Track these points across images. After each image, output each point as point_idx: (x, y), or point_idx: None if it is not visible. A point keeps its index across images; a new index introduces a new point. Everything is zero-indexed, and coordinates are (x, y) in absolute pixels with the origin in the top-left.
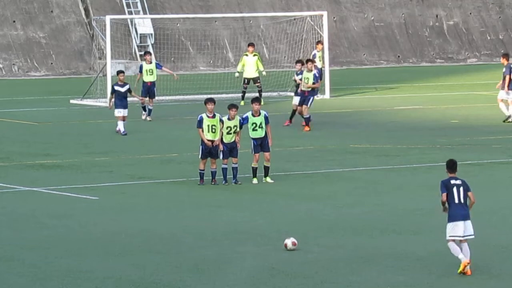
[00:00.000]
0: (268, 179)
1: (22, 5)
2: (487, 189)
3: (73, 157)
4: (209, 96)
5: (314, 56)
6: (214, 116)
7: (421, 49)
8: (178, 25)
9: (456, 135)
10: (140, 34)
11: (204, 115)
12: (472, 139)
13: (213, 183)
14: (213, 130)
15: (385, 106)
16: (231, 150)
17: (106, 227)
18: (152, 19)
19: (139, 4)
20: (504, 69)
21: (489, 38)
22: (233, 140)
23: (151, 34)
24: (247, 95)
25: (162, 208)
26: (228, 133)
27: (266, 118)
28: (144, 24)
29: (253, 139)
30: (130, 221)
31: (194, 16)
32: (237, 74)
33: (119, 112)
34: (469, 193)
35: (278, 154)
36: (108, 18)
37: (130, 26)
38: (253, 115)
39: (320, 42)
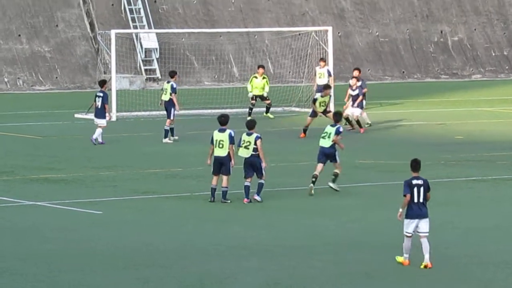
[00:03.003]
0: (334, 185)
1: (27, 19)
2: (492, 205)
3: (77, 171)
4: (218, 112)
5: (315, 73)
6: (224, 131)
7: (426, 64)
8: (183, 39)
9: (461, 151)
10: (145, 48)
11: (215, 132)
12: (476, 155)
13: (226, 201)
14: (221, 146)
15: (389, 121)
16: (253, 167)
17: (110, 242)
18: (157, 33)
19: (144, 19)
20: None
21: (493, 54)
22: (250, 154)
23: (156, 49)
24: (255, 109)
25: (166, 222)
26: (246, 147)
27: (338, 130)
28: (149, 39)
29: (320, 146)
30: (133, 235)
31: (199, 30)
32: (250, 94)
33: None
34: (427, 194)
35: (283, 169)
36: (113, 32)
37: (135, 40)
38: (331, 125)
39: (322, 59)
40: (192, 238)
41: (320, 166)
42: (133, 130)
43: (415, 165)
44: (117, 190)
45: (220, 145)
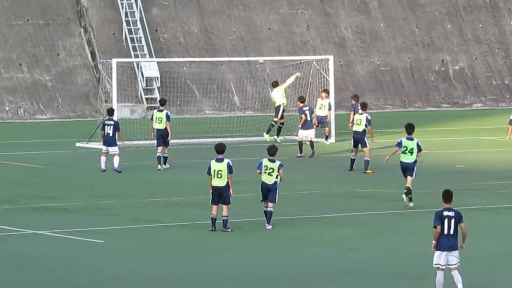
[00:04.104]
0: (411, 204)
1: (28, 48)
2: (493, 234)
3: (79, 200)
4: (219, 141)
5: (315, 104)
6: (222, 160)
7: (427, 93)
8: (184, 68)
9: (462, 180)
10: (146, 77)
11: (213, 161)
12: (477, 184)
13: (227, 230)
14: (219, 176)
15: (390, 150)
16: (268, 192)
17: (111, 271)
18: (158, 62)
19: (145, 48)
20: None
21: (494, 83)
22: (273, 181)
23: (157, 78)
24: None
25: (167, 251)
26: (269, 174)
27: (418, 146)
28: (150, 68)
29: (401, 162)
30: (135, 264)
31: (200, 59)
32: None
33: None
34: (461, 225)
35: (284, 198)
36: (114, 61)
37: (136, 69)
38: (407, 139)
39: (326, 90)
40: (194, 267)
41: (409, 179)
42: (134, 159)
43: (447, 196)
44: (118, 218)
45: (219, 175)
